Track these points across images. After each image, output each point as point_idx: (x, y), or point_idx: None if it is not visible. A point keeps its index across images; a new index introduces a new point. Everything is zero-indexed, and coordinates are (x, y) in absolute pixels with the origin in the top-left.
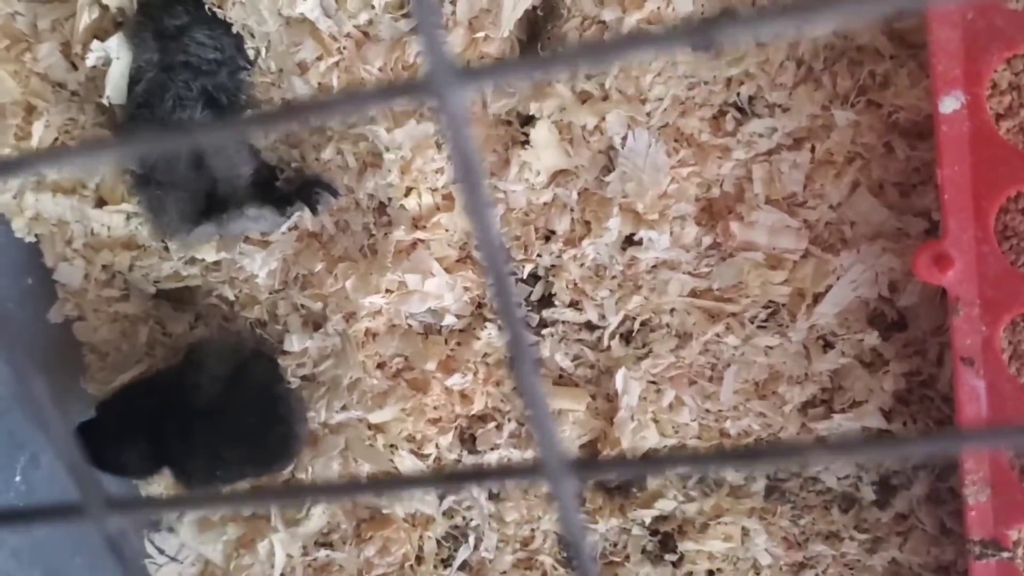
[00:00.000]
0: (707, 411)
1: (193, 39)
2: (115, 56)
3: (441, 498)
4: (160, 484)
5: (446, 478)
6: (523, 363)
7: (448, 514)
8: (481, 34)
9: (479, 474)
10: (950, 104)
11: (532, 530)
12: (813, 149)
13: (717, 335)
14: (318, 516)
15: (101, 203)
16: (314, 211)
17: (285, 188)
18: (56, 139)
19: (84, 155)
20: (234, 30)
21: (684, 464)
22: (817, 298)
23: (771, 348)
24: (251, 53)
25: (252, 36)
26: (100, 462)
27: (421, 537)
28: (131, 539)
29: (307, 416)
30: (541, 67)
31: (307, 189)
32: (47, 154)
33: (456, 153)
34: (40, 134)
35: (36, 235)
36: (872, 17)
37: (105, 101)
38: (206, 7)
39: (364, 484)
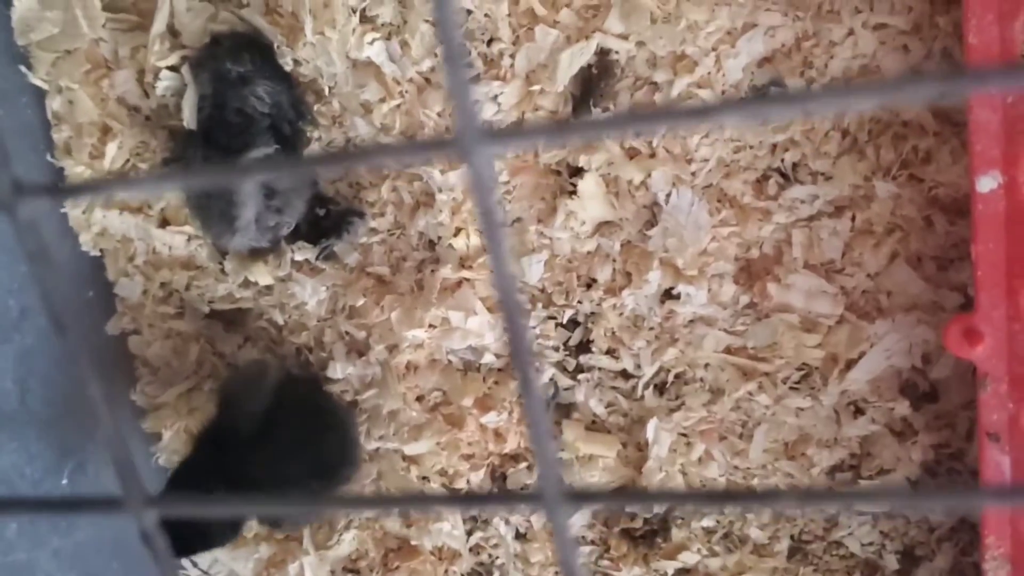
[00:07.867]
0: (735, 467)
1: (253, 92)
2: (188, 82)
3: (468, 534)
4: None
5: (447, 500)
6: (531, 392)
7: (475, 550)
8: (537, 87)
9: (476, 499)
10: (987, 184)
11: (556, 572)
12: (853, 218)
13: (749, 393)
14: (348, 542)
15: (164, 223)
16: (346, 235)
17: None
18: (127, 160)
19: (146, 185)
20: (302, 70)
21: (674, 501)
22: (850, 364)
23: (802, 410)
24: (313, 101)
25: (322, 76)
26: (200, 540)
27: (447, 572)
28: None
29: (357, 423)
30: (565, 133)
31: (339, 219)
32: (117, 181)
33: (481, 208)
34: (113, 154)
35: (101, 250)
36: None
37: (186, 124)
38: (275, 54)
39: (357, 499)
